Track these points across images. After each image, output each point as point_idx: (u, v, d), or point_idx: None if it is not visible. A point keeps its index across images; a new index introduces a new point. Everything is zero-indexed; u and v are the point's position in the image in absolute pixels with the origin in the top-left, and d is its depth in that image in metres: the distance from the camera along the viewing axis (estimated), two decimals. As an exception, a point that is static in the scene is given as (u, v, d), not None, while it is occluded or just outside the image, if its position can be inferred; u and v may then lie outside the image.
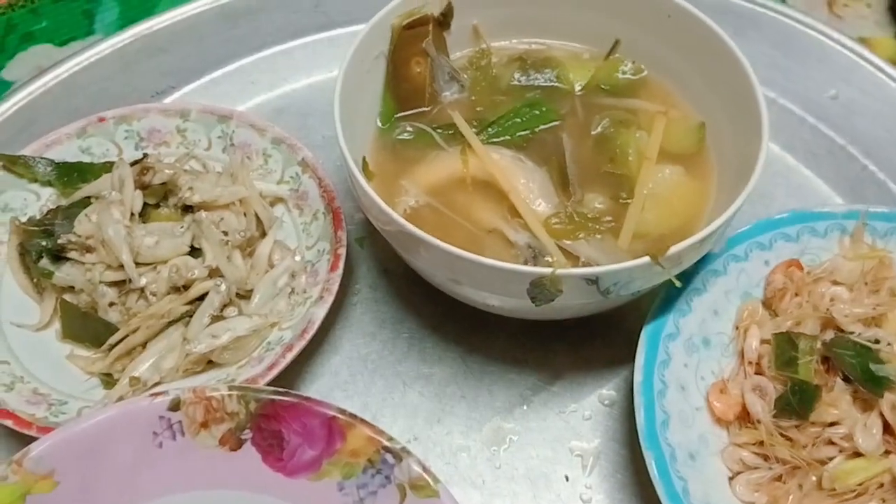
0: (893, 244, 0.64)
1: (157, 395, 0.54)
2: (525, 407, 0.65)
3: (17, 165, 0.69)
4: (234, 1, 0.86)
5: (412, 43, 0.68)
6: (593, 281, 0.54)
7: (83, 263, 0.64)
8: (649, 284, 0.58)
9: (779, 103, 0.80)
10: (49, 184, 0.70)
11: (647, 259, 0.53)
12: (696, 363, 0.61)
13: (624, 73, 0.71)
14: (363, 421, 0.54)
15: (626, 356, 0.65)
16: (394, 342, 0.68)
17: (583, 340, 0.67)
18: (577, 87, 0.71)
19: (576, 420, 0.64)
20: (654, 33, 0.69)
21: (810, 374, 0.59)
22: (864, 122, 0.78)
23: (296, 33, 0.86)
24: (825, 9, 0.95)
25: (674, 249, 0.53)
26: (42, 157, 0.70)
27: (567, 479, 0.62)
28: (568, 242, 0.61)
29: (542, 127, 0.68)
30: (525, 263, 0.60)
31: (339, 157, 0.77)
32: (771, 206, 0.72)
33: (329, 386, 0.66)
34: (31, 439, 0.56)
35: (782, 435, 0.58)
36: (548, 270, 0.53)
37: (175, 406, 0.53)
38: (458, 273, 0.58)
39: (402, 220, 0.56)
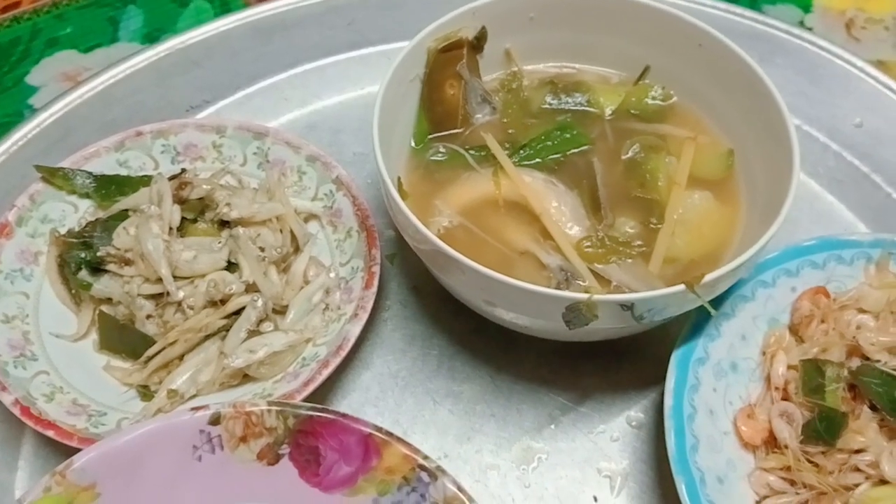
0: (919, 274, 0.65)
1: (197, 409, 0.55)
2: (554, 427, 0.66)
3: (57, 177, 0.70)
4: (267, 17, 0.88)
5: (447, 66, 0.70)
6: (628, 307, 0.55)
7: (121, 276, 0.65)
8: (682, 310, 0.59)
9: (803, 130, 0.81)
10: (87, 196, 0.71)
11: (682, 287, 0.54)
12: (725, 388, 0.62)
13: (654, 98, 0.73)
14: (399, 439, 0.55)
15: (653, 378, 0.67)
16: (423, 359, 0.69)
17: (611, 362, 0.68)
18: (608, 112, 0.72)
19: (604, 441, 0.65)
20: (685, 60, 0.70)
21: (837, 401, 0.60)
22: (888, 151, 0.79)
23: (328, 51, 0.87)
24: (843, 31, 0.96)
25: (708, 277, 0.54)
26: (81, 170, 0.71)
27: (595, 499, 0.62)
28: (599, 266, 0.62)
29: (573, 150, 0.69)
30: (557, 286, 0.61)
31: (369, 173, 0.79)
32: (795, 231, 0.73)
33: (360, 401, 0.67)
34: (70, 450, 0.57)
35: (809, 461, 0.59)
36: (584, 296, 0.54)
37: (215, 420, 0.55)
38: (493, 295, 0.59)
39: (440, 242, 0.57)
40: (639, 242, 0.64)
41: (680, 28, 0.69)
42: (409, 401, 0.67)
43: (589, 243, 0.63)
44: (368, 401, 0.67)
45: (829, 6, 0.99)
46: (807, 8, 0.98)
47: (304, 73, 0.86)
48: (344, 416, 0.55)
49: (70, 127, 0.80)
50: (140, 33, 0.97)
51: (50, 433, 0.58)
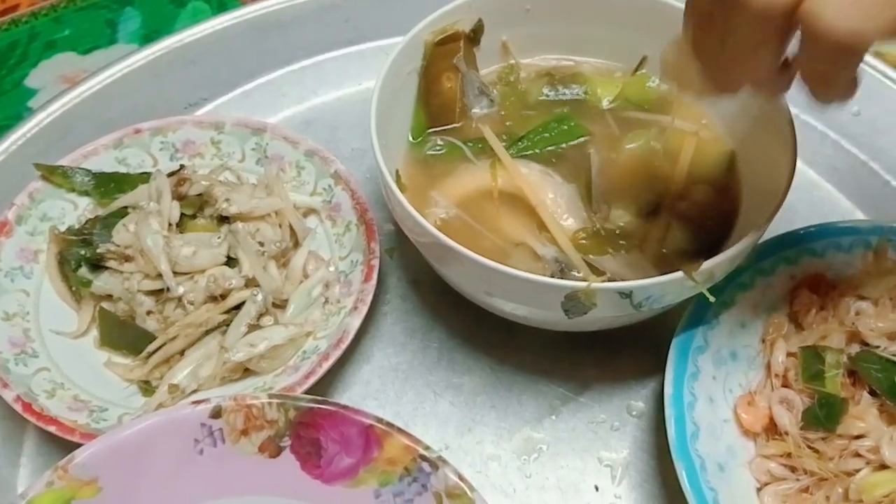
0: (918, 260, 0.66)
1: (198, 402, 0.55)
2: (554, 417, 0.66)
3: (56, 175, 0.70)
4: (264, 14, 0.88)
5: (443, 59, 0.70)
6: (627, 295, 0.55)
7: (121, 272, 0.65)
8: (680, 298, 0.59)
9: (801, 119, 0.80)
10: (86, 193, 0.71)
11: (680, 274, 0.54)
12: (724, 376, 0.62)
13: (652, 88, 0.73)
14: (400, 430, 0.55)
15: (653, 368, 0.67)
16: (424, 352, 0.69)
17: (611, 352, 0.68)
18: (605, 103, 0.72)
19: (604, 430, 0.65)
20: (681, 50, 0.70)
21: (837, 387, 0.60)
22: (886, 140, 0.79)
23: (325, 47, 0.87)
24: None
25: (706, 265, 0.54)
26: (80, 168, 0.71)
27: (597, 488, 0.62)
28: (594, 257, 0.62)
29: (570, 142, 0.69)
30: (552, 277, 0.61)
31: (368, 168, 0.79)
32: (794, 219, 0.73)
33: (361, 395, 0.67)
34: (72, 446, 0.57)
35: (809, 447, 0.59)
36: (583, 284, 0.54)
37: (216, 413, 0.55)
38: (492, 285, 0.59)
39: (437, 232, 0.57)
40: (635, 234, 0.64)
41: (675, 17, 0.68)
42: (409, 393, 0.67)
43: (584, 235, 0.64)
44: (369, 394, 0.67)
45: (826, -3, 0.98)
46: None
47: (300, 69, 0.87)
48: (345, 407, 0.55)
49: (68, 126, 0.80)
50: (138, 35, 0.97)
51: (52, 429, 0.58)
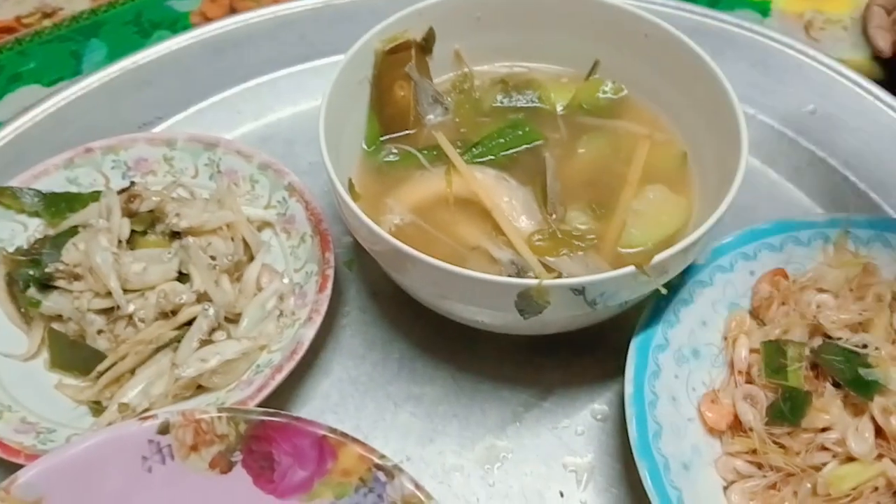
0: (876, 251, 0.65)
1: (145, 418, 0.53)
2: (518, 424, 0.64)
3: (4, 196, 0.69)
4: (219, 34, 0.88)
5: (395, 67, 0.69)
6: (580, 291, 0.54)
7: (71, 292, 0.64)
8: (636, 294, 0.58)
9: (758, 119, 0.81)
10: (36, 214, 0.70)
11: (632, 268, 0.53)
12: (687, 374, 0.61)
13: (605, 92, 0.73)
14: (354, 439, 0.53)
15: (616, 371, 0.65)
16: (384, 364, 0.68)
17: (573, 356, 0.67)
18: (559, 108, 0.72)
19: (569, 436, 0.64)
20: (633, 53, 0.70)
21: (800, 380, 0.59)
22: (842, 136, 0.79)
23: (281, 64, 0.87)
24: (803, 33, 0.97)
25: (658, 258, 0.54)
26: (29, 188, 0.70)
27: (562, 494, 0.61)
28: (550, 259, 0.61)
29: (525, 147, 0.69)
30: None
31: (325, 182, 0.78)
32: (755, 219, 0.72)
33: (320, 409, 0.65)
34: (19, 468, 0.55)
35: (775, 442, 0.58)
36: (534, 281, 0.53)
37: (164, 429, 0.53)
38: (447, 288, 0.58)
39: (390, 238, 0.56)
40: (591, 235, 0.63)
41: (625, 20, 0.69)
42: (369, 406, 0.66)
43: (540, 237, 0.63)
44: (328, 408, 0.66)
45: (787, 9, 0.99)
46: (765, 12, 0.99)
47: (256, 86, 0.86)
48: (296, 419, 0.54)
49: (22, 149, 0.79)
50: (103, 65, 0.96)
51: (-5, 451, 0.57)
